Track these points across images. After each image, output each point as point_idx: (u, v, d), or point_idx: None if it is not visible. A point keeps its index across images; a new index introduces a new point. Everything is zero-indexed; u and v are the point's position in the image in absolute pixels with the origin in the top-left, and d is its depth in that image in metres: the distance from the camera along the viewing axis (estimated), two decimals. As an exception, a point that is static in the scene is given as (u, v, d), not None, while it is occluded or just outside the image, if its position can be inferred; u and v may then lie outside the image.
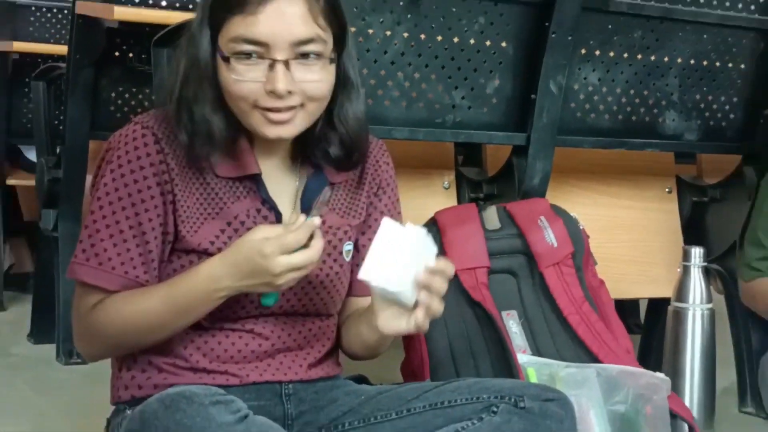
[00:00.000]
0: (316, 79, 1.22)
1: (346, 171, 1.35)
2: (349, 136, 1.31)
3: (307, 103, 1.22)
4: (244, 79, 1.19)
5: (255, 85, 1.19)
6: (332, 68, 1.24)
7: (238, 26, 1.18)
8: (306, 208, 1.30)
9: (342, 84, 1.27)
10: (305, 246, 1.17)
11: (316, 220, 1.18)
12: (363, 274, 1.16)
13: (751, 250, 1.93)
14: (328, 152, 1.31)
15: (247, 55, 1.19)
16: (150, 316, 1.22)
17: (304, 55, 1.20)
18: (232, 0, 1.18)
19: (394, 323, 1.21)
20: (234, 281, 1.19)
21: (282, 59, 1.18)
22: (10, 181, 3.31)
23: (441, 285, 1.18)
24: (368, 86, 1.68)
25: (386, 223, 1.18)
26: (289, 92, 1.19)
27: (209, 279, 1.20)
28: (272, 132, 1.23)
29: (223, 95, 1.23)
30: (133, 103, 2.55)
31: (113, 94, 2.53)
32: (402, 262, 1.16)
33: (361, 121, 1.33)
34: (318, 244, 1.17)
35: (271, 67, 1.18)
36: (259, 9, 1.17)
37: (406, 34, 1.70)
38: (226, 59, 1.19)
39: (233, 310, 1.25)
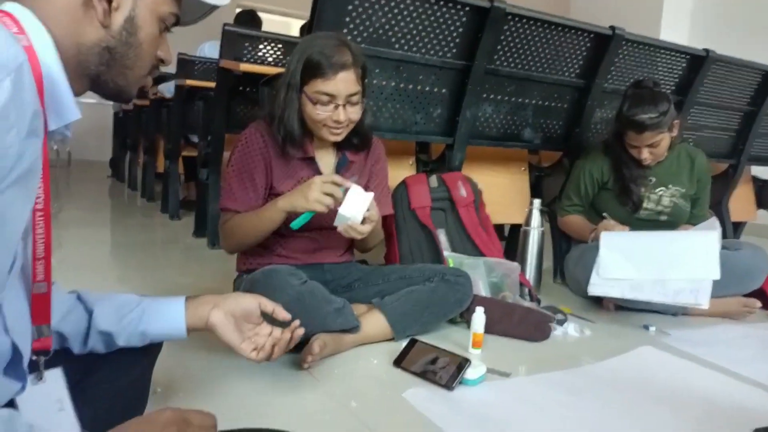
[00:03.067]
0: (356, 114, 1.21)
1: (360, 151, 1.34)
2: (363, 136, 1.30)
3: (350, 125, 1.21)
4: (322, 113, 1.18)
5: (326, 116, 1.18)
6: (361, 107, 1.22)
7: (319, 84, 1.16)
8: (337, 173, 1.30)
9: (363, 112, 1.25)
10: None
11: (347, 183, 1.15)
12: (342, 211, 1.12)
13: (564, 200, 1.93)
14: (353, 142, 1.29)
15: (323, 101, 1.17)
16: (250, 223, 1.21)
17: (352, 101, 1.18)
18: (315, 68, 1.16)
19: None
20: (287, 196, 1.16)
21: (342, 104, 1.17)
22: (184, 153, 3.25)
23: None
24: (371, 111, 1.65)
25: (353, 187, 1.15)
26: (344, 120, 1.18)
27: (275, 201, 1.19)
28: (332, 138, 1.22)
29: (303, 117, 1.20)
30: (247, 114, 2.50)
31: (237, 109, 2.46)
32: (359, 207, 1.13)
33: (370, 127, 1.33)
34: (337, 193, 1.13)
35: (336, 107, 1.17)
36: (331, 77, 1.15)
37: (393, 84, 1.65)
38: (313, 102, 1.17)
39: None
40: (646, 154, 1.70)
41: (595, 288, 1.55)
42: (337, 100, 1.17)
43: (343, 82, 1.16)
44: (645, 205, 1.78)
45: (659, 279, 1.50)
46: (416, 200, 1.68)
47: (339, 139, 1.24)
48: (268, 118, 1.25)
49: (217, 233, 1.35)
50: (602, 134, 2.10)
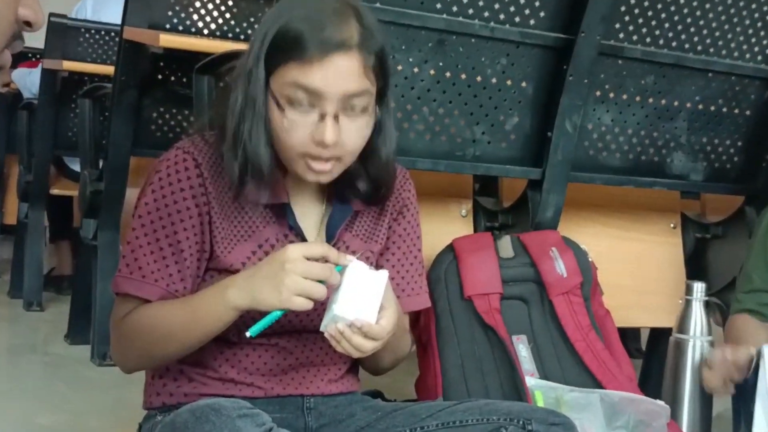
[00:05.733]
0: (359, 132, 1.22)
1: (373, 205, 1.36)
2: (378, 176, 1.31)
3: (345, 156, 1.22)
4: (295, 129, 1.19)
5: (304, 135, 1.19)
6: (372, 120, 1.24)
7: (295, 72, 1.18)
8: (330, 235, 1.32)
9: (378, 130, 1.27)
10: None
11: (345, 258, 1.17)
12: (338, 310, 1.15)
13: (740, 283, 1.91)
14: (357, 187, 1.31)
15: (300, 103, 1.18)
16: (172, 322, 1.22)
17: (352, 108, 1.20)
18: (292, 45, 1.17)
19: None
20: (243, 281, 1.17)
21: (332, 112, 1.18)
22: (54, 190, 3.34)
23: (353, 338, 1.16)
24: (395, 119, 1.68)
25: (355, 264, 1.17)
26: (333, 143, 1.18)
27: (221, 285, 1.20)
28: (312, 178, 1.24)
29: (272, 134, 1.23)
30: (172, 123, 2.58)
31: (154, 115, 2.56)
32: (368, 299, 1.16)
33: (391, 163, 1.32)
34: (332, 278, 1.15)
35: (321, 117, 1.18)
36: (317, 58, 1.16)
37: (432, 72, 1.71)
38: (280, 105, 1.19)
39: None
40: None
41: None
42: (324, 103, 1.18)
43: (338, 72, 1.17)
44: None
45: None
46: (475, 282, 1.68)
47: (324, 179, 1.25)
48: (212, 133, 1.29)
49: (108, 336, 1.37)
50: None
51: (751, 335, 1.77)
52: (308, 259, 1.14)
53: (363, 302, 1.15)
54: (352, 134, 1.21)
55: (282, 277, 1.13)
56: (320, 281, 1.14)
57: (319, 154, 1.20)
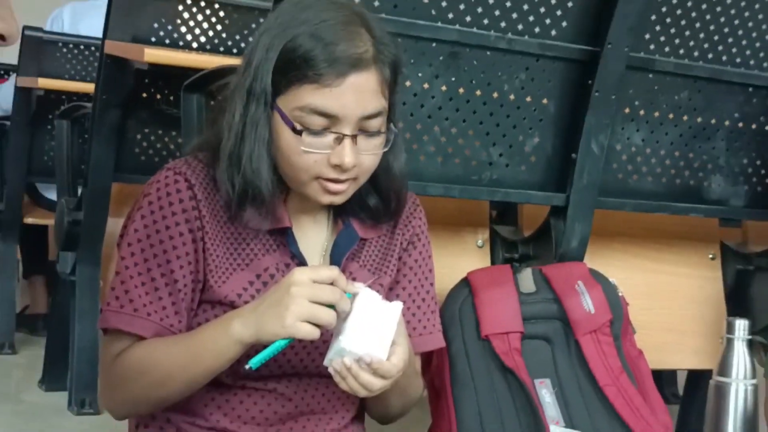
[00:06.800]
0: (374, 152, 1.25)
1: (384, 222, 1.37)
2: (389, 189, 1.33)
3: (361, 175, 1.25)
4: (311, 151, 1.20)
5: (320, 158, 1.21)
6: (385, 137, 1.26)
7: (310, 96, 1.19)
8: (335, 264, 1.32)
9: (388, 144, 1.29)
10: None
11: (354, 286, 1.18)
12: (345, 343, 1.15)
13: None
14: (367, 203, 1.33)
15: (315, 127, 1.20)
16: (170, 362, 1.22)
17: (368, 128, 1.22)
18: (302, 66, 1.19)
19: None
20: (248, 312, 1.18)
21: (350, 134, 1.20)
22: (28, 220, 3.35)
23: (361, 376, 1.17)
24: (403, 138, 1.69)
25: (364, 294, 1.18)
26: (352, 166, 1.21)
27: (225, 318, 1.21)
28: (327, 200, 1.26)
29: (276, 155, 1.24)
30: (159, 146, 2.60)
31: (139, 136, 2.58)
32: (379, 332, 1.16)
33: (404, 174, 1.35)
34: (343, 306, 1.16)
35: (338, 141, 1.20)
36: (336, 82, 1.18)
37: (444, 88, 1.71)
38: (295, 128, 1.20)
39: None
40: None
41: None
42: (341, 126, 1.20)
43: (356, 94, 1.19)
44: None
45: None
46: (493, 320, 1.68)
47: (339, 201, 1.27)
48: (206, 155, 1.30)
49: (87, 381, 1.37)
50: None
51: None
52: (316, 282, 1.14)
53: (373, 335, 1.15)
54: (369, 155, 1.24)
55: (287, 303, 1.13)
56: (329, 306, 1.14)
57: (336, 177, 1.22)
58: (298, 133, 1.20)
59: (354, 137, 1.20)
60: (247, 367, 1.16)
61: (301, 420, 1.33)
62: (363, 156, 1.22)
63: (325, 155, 1.20)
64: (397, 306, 1.18)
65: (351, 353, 1.14)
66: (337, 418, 1.36)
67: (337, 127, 1.20)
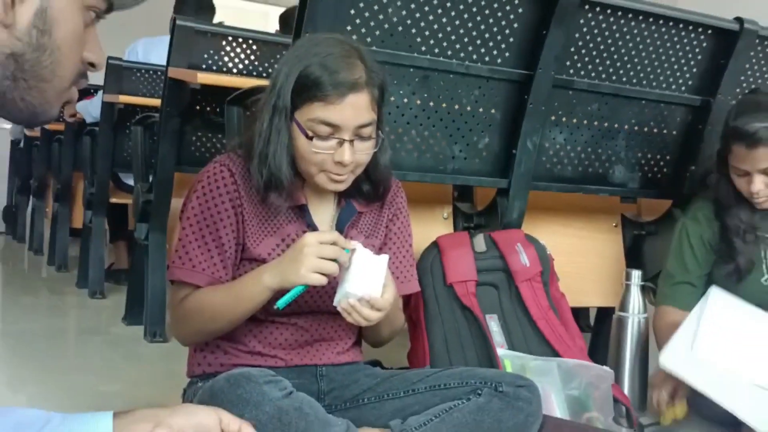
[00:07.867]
0: (367, 152, 1.25)
1: (375, 201, 1.38)
2: (378, 179, 1.34)
3: (356, 169, 1.26)
4: (319, 152, 1.21)
5: (326, 156, 1.22)
6: (375, 140, 1.27)
7: (319, 111, 1.20)
8: (339, 230, 1.32)
9: (377, 145, 1.29)
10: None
11: (351, 243, 1.20)
12: (350, 287, 1.17)
13: (661, 280, 1.88)
14: (362, 189, 1.34)
15: (322, 134, 1.21)
16: (219, 304, 1.24)
17: (362, 134, 1.23)
18: (313, 88, 1.20)
19: None
20: (274, 267, 1.20)
21: (349, 139, 1.21)
22: (113, 200, 3.35)
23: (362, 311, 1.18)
24: (389, 140, 1.69)
25: (361, 250, 1.19)
26: (350, 163, 1.22)
27: (257, 272, 1.22)
28: (332, 187, 1.27)
29: (294, 153, 1.25)
30: (208, 145, 2.59)
31: (194, 138, 2.56)
32: (373, 277, 1.18)
33: (388, 168, 1.36)
34: (342, 257, 1.17)
35: (340, 144, 1.21)
36: (338, 100, 1.19)
37: (418, 102, 1.71)
38: (308, 135, 1.21)
39: None
40: (759, 185, 1.65)
41: (673, 362, 1.54)
42: (342, 133, 1.21)
43: (353, 109, 1.20)
44: (762, 276, 1.75)
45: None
46: (455, 272, 1.69)
47: (341, 188, 1.28)
48: (243, 152, 1.30)
49: (158, 318, 1.38)
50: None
51: (680, 319, 1.74)
52: (322, 243, 1.16)
53: (370, 280, 1.17)
54: (362, 154, 1.25)
55: (302, 259, 1.15)
56: (333, 260, 1.16)
57: (338, 171, 1.23)
58: (310, 138, 1.21)
59: (351, 141, 1.21)
60: (275, 306, 1.18)
61: (315, 345, 1.34)
62: (358, 155, 1.23)
63: (330, 155, 1.22)
64: (385, 258, 1.20)
65: (354, 295, 1.16)
66: (341, 343, 1.37)
67: (339, 134, 1.21)
